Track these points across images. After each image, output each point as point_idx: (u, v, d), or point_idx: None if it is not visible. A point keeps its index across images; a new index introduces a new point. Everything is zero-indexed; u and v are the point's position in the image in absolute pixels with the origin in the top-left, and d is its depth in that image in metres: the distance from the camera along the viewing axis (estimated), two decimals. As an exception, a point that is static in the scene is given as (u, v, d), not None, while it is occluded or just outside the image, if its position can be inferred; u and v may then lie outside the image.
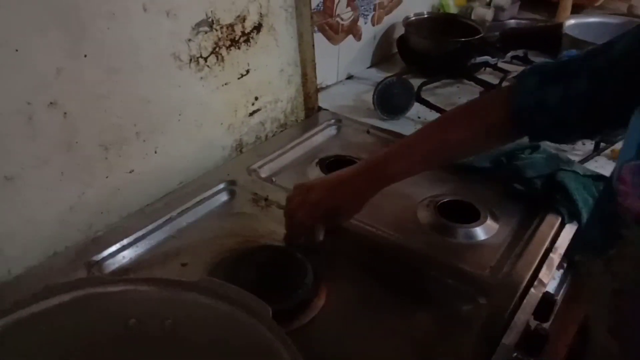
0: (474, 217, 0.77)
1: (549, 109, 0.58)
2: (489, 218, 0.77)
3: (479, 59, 1.20)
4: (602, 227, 0.43)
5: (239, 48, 0.85)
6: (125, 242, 0.70)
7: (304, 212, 0.67)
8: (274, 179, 0.86)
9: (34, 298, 0.39)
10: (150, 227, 0.73)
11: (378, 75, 1.25)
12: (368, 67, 1.32)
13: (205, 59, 0.80)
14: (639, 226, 0.35)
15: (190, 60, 0.78)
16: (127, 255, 0.70)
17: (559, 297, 0.80)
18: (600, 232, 0.43)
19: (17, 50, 0.58)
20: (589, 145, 0.99)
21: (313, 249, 0.68)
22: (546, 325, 0.71)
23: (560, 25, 1.26)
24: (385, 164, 0.66)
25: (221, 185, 0.82)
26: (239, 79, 0.87)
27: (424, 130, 0.69)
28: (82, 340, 0.41)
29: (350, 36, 1.22)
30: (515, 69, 1.22)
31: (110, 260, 0.69)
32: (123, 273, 0.66)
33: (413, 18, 1.32)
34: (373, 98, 1.06)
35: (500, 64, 1.24)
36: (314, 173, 0.87)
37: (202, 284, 0.40)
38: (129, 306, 0.41)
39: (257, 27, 0.88)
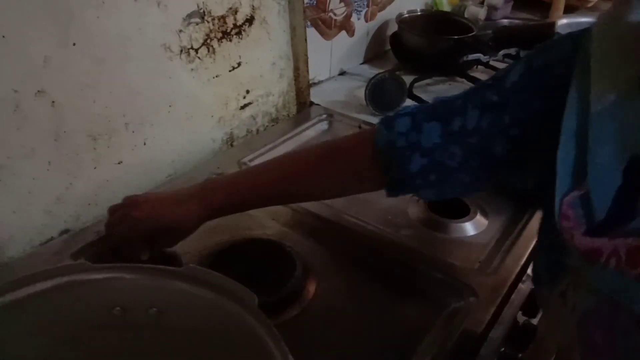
0: (464, 213, 0.78)
1: (424, 149, 0.51)
2: (478, 214, 0.78)
3: (471, 57, 1.20)
4: (548, 260, 0.41)
5: (230, 40, 0.85)
6: (112, 233, 0.70)
7: (122, 227, 0.57)
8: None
9: (15, 284, 0.38)
10: (138, 219, 0.72)
11: (370, 71, 1.25)
12: (361, 63, 1.32)
13: (196, 51, 0.80)
14: (589, 263, 0.33)
15: (181, 51, 0.77)
16: (114, 247, 0.69)
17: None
18: (547, 263, 0.42)
19: (4, 37, 0.57)
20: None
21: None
22: (534, 320, 0.72)
23: (552, 25, 1.27)
24: (228, 193, 0.59)
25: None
26: (230, 71, 0.87)
27: (277, 163, 0.62)
28: (66, 327, 0.41)
29: (343, 32, 1.22)
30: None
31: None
32: (110, 264, 0.66)
33: (406, 15, 1.32)
34: (365, 94, 1.06)
35: (493, 62, 1.24)
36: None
37: (187, 271, 0.40)
38: (114, 293, 0.41)
39: (249, 20, 0.87)
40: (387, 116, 0.56)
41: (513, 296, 0.66)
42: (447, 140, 0.50)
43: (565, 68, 0.41)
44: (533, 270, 0.48)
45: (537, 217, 0.77)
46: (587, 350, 0.37)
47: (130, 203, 0.59)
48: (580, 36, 0.42)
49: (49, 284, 0.39)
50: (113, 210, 0.60)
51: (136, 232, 0.56)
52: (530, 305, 0.69)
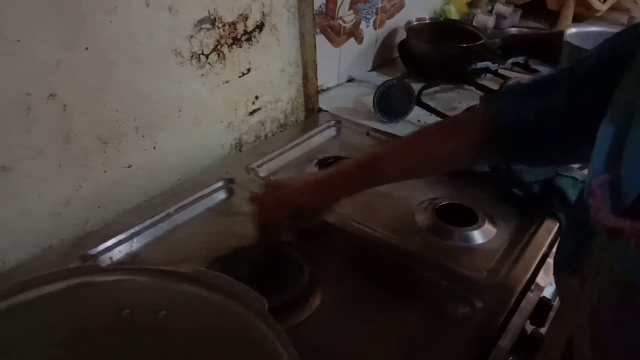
0: (472, 221, 0.77)
1: (527, 123, 0.57)
2: (486, 222, 0.77)
3: (480, 65, 1.20)
4: (576, 241, 0.42)
5: (240, 46, 0.85)
6: (121, 237, 0.70)
7: (268, 211, 0.65)
8: (272, 178, 0.86)
9: (25, 286, 0.39)
10: (146, 223, 0.73)
11: (379, 78, 1.25)
12: (369, 71, 1.32)
13: (207, 56, 0.80)
14: (611, 240, 0.35)
15: (192, 56, 0.78)
16: (122, 250, 0.70)
17: (555, 303, 0.79)
18: (574, 246, 0.43)
19: (18, 41, 0.58)
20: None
21: (289, 246, 0.68)
22: (542, 330, 0.71)
23: (560, 33, 1.27)
24: (363, 174, 0.65)
25: (219, 183, 0.82)
26: (239, 77, 0.87)
27: (406, 141, 0.68)
28: (75, 329, 0.41)
29: (352, 39, 1.22)
30: (516, 76, 1.22)
31: (106, 255, 0.68)
32: (118, 268, 0.66)
33: (415, 23, 1.33)
34: (373, 101, 1.06)
35: (501, 70, 1.24)
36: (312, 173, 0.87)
37: (196, 274, 0.40)
38: (123, 296, 0.41)
39: (259, 26, 0.88)
40: (493, 96, 0.66)
41: (521, 305, 0.65)
42: (547, 115, 0.56)
43: (626, 55, 0.43)
44: (556, 255, 0.51)
45: (546, 226, 0.76)
46: (597, 336, 0.38)
47: (273, 187, 0.68)
48: None
49: (58, 285, 0.40)
50: (257, 195, 0.68)
51: (281, 213, 0.64)
52: (538, 315, 0.68)
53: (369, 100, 1.08)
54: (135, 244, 0.71)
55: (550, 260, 0.72)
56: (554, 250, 0.73)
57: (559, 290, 0.53)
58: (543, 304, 0.68)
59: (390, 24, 1.32)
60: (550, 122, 0.56)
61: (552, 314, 0.71)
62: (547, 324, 0.72)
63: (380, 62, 1.35)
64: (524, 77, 1.24)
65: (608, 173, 0.37)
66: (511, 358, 0.66)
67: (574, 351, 0.47)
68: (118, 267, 0.41)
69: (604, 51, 0.52)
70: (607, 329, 0.37)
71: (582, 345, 0.40)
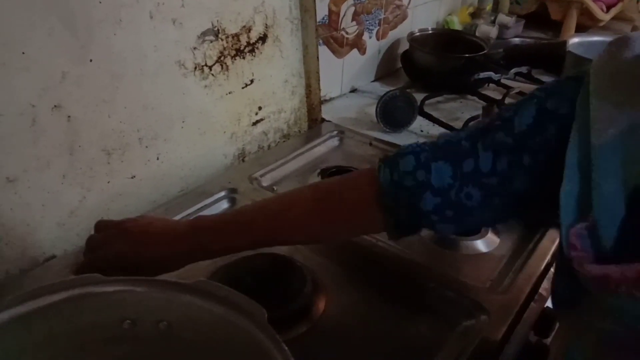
0: (475, 231, 0.77)
1: (437, 188, 0.49)
2: (490, 231, 0.77)
3: (483, 75, 1.21)
4: (570, 282, 0.42)
5: (243, 58, 0.86)
6: (124, 247, 0.70)
7: (102, 254, 0.56)
8: (275, 188, 0.86)
9: (27, 296, 0.39)
10: (150, 233, 0.73)
11: (382, 89, 1.26)
12: (372, 81, 1.33)
13: (210, 68, 0.81)
14: (599, 289, 0.34)
15: (195, 68, 0.79)
16: (125, 261, 0.70)
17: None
18: (567, 286, 0.43)
19: (23, 53, 0.58)
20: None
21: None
22: (547, 341, 0.71)
23: (563, 43, 1.27)
24: (222, 236, 0.56)
25: (222, 193, 0.82)
26: (243, 88, 0.88)
27: (272, 204, 0.59)
28: (76, 339, 0.41)
29: (355, 50, 1.23)
30: (519, 85, 1.22)
31: (109, 265, 0.69)
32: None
33: (417, 34, 1.33)
34: (376, 111, 1.07)
35: (504, 80, 1.24)
36: (316, 181, 0.87)
37: (198, 285, 0.40)
38: (124, 307, 0.41)
39: (263, 38, 0.89)
40: (386, 156, 0.54)
41: (525, 315, 0.65)
42: (461, 181, 0.49)
43: (571, 107, 0.42)
44: (552, 289, 0.47)
45: (549, 235, 0.76)
46: None
47: (119, 229, 0.56)
48: (579, 76, 0.43)
49: (60, 296, 0.40)
50: (100, 227, 0.58)
51: (117, 262, 0.54)
52: (542, 325, 0.68)
53: (372, 110, 1.08)
54: (138, 254, 0.71)
55: (553, 271, 0.72)
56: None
57: (559, 322, 0.52)
58: (547, 314, 0.68)
59: (393, 35, 1.33)
60: (468, 188, 0.49)
61: (557, 325, 0.71)
62: (552, 335, 0.71)
63: (383, 72, 1.35)
64: (528, 87, 1.24)
65: (582, 221, 0.36)
66: (515, 369, 0.66)
67: None
68: (119, 277, 0.41)
69: (542, 109, 0.46)
70: None
71: None
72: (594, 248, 0.35)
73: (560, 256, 0.44)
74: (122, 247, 0.55)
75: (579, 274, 0.36)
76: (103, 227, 0.59)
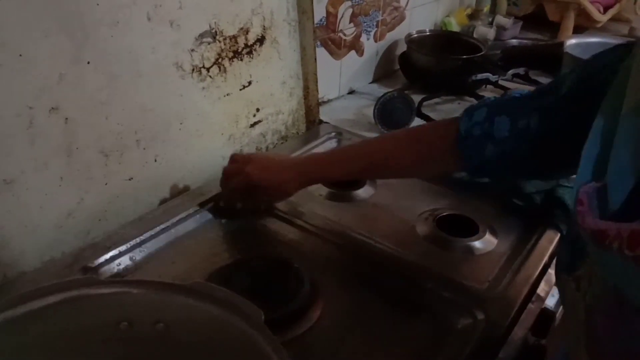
0: (473, 231, 0.77)
1: (496, 140, 0.58)
2: (487, 232, 0.77)
3: (480, 76, 1.21)
4: (572, 248, 0.43)
5: (241, 60, 0.86)
6: (122, 248, 0.70)
7: (236, 181, 0.71)
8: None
9: (24, 298, 0.39)
10: (147, 235, 0.73)
11: (380, 90, 1.26)
12: (370, 83, 1.33)
13: (208, 70, 0.81)
14: (596, 245, 0.35)
15: (193, 70, 0.79)
16: (123, 262, 0.70)
17: (558, 314, 0.79)
18: (570, 252, 0.44)
19: (20, 55, 0.58)
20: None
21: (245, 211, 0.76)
22: (544, 341, 0.71)
23: (561, 44, 1.27)
24: (327, 166, 0.71)
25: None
26: (240, 90, 0.88)
27: (370, 143, 0.73)
28: (73, 341, 0.41)
29: (353, 51, 1.23)
30: (516, 87, 1.23)
31: (107, 267, 0.68)
32: (119, 280, 0.66)
33: (415, 35, 1.34)
34: (374, 112, 1.07)
35: (501, 82, 1.24)
36: (314, 185, 0.87)
37: (195, 287, 0.40)
38: (121, 308, 0.41)
39: (260, 40, 0.89)
40: (469, 106, 0.63)
41: (523, 316, 0.65)
42: (515, 135, 0.57)
43: (611, 74, 0.43)
44: (557, 256, 0.52)
45: (547, 236, 0.76)
46: (592, 338, 0.38)
47: (245, 159, 0.73)
48: (630, 45, 0.45)
49: (56, 297, 0.40)
50: (231, 161, 0.74)
51: (246, 185, 0.70)
52: (540, 326, 0.67)
53: (370, 111, 1.08)
54: (136, 256, 0.71)
55: (551, 271, 0.72)
56: (555, 261, 0.73)
57: (559, 293, 0.53)
58: (545, 315, 0.68)
59: (390, 37, 1.33)
60: (520, 142, 0.57)
61: (554, 325, 0.71)
62: (549, 335, 0.71)
63: (381, 74, 1.35)
64: (525, 89, 1.24)
65: (595, 181, 0.38)
66: (513, 370, 0.66)
67: (570, 354, 0.48)
68: (116, 279, 0.41)
69: (582, 76, 0.53)
70: (601, 335, 0.37)
71: (579, 352, 0.40)
72: (600, 208, 0.37)
73: (567, 222, 0.47)
74: (250, 171, 0.70)
75: (580, 228, 0.37)
76: (235, 159, 0.75)
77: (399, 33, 1.35)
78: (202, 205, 0.79)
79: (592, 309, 0.38)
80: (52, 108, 0.63)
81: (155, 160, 0.78)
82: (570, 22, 1.60)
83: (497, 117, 0.58)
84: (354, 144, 0.75)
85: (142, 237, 0.72)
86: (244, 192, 0.72)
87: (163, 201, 0.81)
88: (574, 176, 0.72)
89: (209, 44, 0.80)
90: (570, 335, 0.44)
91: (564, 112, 0.54)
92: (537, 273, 0.70)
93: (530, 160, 0.58)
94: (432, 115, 1.10)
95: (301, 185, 0.72)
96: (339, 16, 1.13)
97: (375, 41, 1.29)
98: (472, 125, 0.60)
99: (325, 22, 1.10)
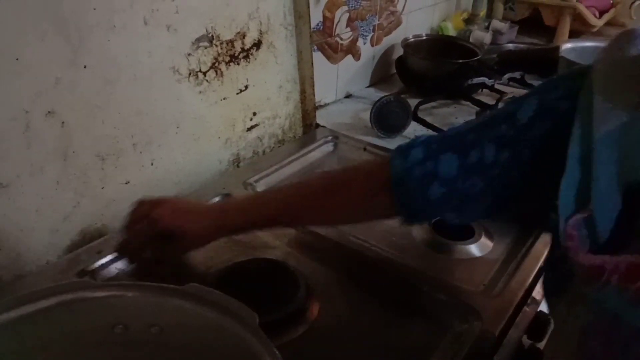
0: (469, 235, 0.77)
1: (443, 178, 0.52)
2: (483, 236, 0.77)
3: (476, 80, 1.21)
4: (557, 272, 0.43)
5: (238, 64, 0.87)
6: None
7: (143, 226, 0.61)
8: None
9: (19, 301, 0.39)
10: (144, 239, 0.73)
11: (376, 94, 1.26)
12: (367, 87, 1.33)
13: (205, 74, 0.81)
14: (594, 280, 0.35)
15: (190, 74, 0.79)
16: (120, 266, 0.70)
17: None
18: (555, 277, 0.44)
19: (17, 59, 0.59)
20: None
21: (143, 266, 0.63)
22: (540, 344, 0.71)
23: (556, 49, 1.28)
24: (247, 210, 0.62)
25: (217, 199, 0.82)
26: (237, 94, 0.88)
27: (291, 189, 0.65)
28: (68, 344, 0.41)
29: (350, 56, 1.23)
30: (512, 91, 1.23)
31: (103, 271, 0.69)
32: (114, 283, 0.66)
33: (412, 40, 1.34)
34: (370, 116, 1.07)
35: (497, 86, 1.25)
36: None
37: (189, 290, 0.40)
38: (116, 311, 0.41)
39: (257, 44, 0.89)
40: (399, 146, 0.57)
41: (518, 319, 0.65)
42: (466, 171, 0.51)
43: (571, 102, 0.43)
44: (544, 279, 0.50)
45: (542, 239, 0.76)
46: (586, 358, 0.38)
47: (154, 202, 0.62)
48: (583, 71, 0.44)
49: (52, 301, 0.40)
50: (138, 204, 0.63)
51: (152, 231, 0.59)
52: (535, 329, 0.68)
53: (366, 115, 1.08)
54: (132, 260, 0.71)
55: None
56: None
57: (550, 314, 0.53)
58: (540, 318, 0.68)
59: (387, 41, 1.34)
60: (472, 179, 0.51)
61: (550, 329, 0.71)
62: (545, 339, 0.71)
63: (378, 78, 1.36)
64: (521, 93, 1.24)
65: (580, 211, 0.38)
66: (509, 373, 0.66)
67: None
68: (110, 282, 0.41)
69: (541, 104, 0.49)
70: (596, 356, 0.37)
71: None
72: (590, 239, 0.36)
73: (554, 245, 0.46)
74: (159, 215, 0.60)
75: (573, 264, 0.37)
76: (142, 203, 0.63)
77: (395, 37, 1.35)
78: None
79: (587, 334, 0.38)
80: (49, 112, 0.63)
81: (152, 164, 0.78)
82: (566, 27, 1.61)
83: (441, 155, 0.53)
84: (271, 190, 0.68)
85: (138, 241, 0.72)
86: (151, 240, 0.61)
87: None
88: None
89: (205, 48, 0.80)
90: (564, 356, 0.43)
91: (524, 142, 0.49)
92: (532, 276, 0.70)
93: (484, 198, 0.52)
94: (428, 119, 1.11)
95: (218, 233, 0.63)
96: (336, 21, 1.14)
97: (372, 45, 1.30)
98: (411, 165, 0.54)
99: (321, 27, 1.11)
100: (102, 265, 0.69)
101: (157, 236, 0.60)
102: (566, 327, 0.41)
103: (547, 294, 0.47)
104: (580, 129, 0.40)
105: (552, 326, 0.71)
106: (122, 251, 0.65)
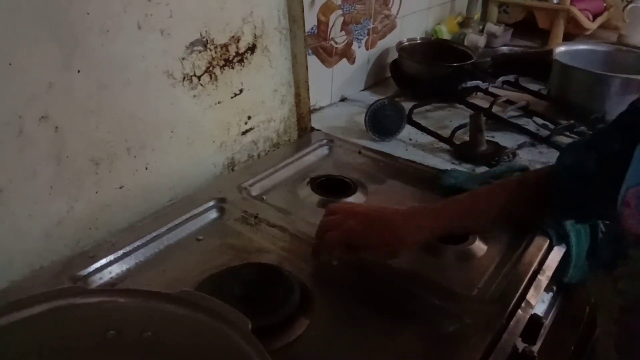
0: (463, 238, 0.77)
1: (586, 172, 0.59)
2: (477, 239, 0.77)
3: (470, 84, 1.22)
4: (612, 247, 0.44)
5: (232, 68, 0.87)
6: (112, 257, 0.70)
7: (333, 236, 0.66)
8: (264, 197, 0.86)
9: (11, 307, 0.39)
10: (138, 243, 0.73)
11: (371, 97, 1.26)
12: (361, 90, 1.34)
13: (199, 78, 0.81)
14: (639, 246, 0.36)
15: (184, 78, 0.79)
16: (113, 271, 0.70)
17: (548, 321, 0.79)
18: (609, 252, 0.45)
19: (10, 64, 0.58)
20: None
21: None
22: (534, 348, 0.71)
23: (550, 52, 1.29)
24: (450, 219, 0.67)
25: (211, 203, 0.82)
26: (232, 98, 0.88)
27: (490, 195, 0.70)
28: (60, 350, 0.41)
29: (344, 59, 1.24)
30: (506, 94, 1.24)
31: (97, 276, 0.68)
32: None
33: (406, 43, 1.35)
34: (365, 119, 1.07)
35: (491, 89, 1.25)
36: (305, 192, 0.88)
37: (182, 295, 0.40)
38: (108, 317, 0.41)
39: (251, 48, 0.89)
40: (563, 149, 0.67)
41: (512, 322, 0.65)
42: (605, 162, 0.57)
43: None
44: (593, 252, 0.55)
45: (536, 243, 0.76)
46: (624, 337, 0.40)
47: (347, 213, 0.66)
48: None
49: (44, 307, 0.40)
50: (331, 211, 0.68)
51: (343, 242, 0.65)
52: (530, 332, 0.68)
53: (361, 119, 1.09)
54: (126, 265, 0.71)
55: (540, 278, 0.72)
56: (544, 267, 0.74)
57: (592, 290, 0.55)
58: (534, 322, 0.68)
59: (382, 45, 1.34)
60: (608, 169, 0.56)
61: (544, 332, 0.71)
62: (539, 342, 0.71)
63: (373, 81, 1.36)
64: (515, 95, 1.25)
65: None
66: (503, 376, 0.66)
67: (597, 353, 0.48)
68: (103, 288, 0.41)
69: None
70: (634, 334, 0.38)
71: (607, 346, 0.41)
72: None
73: (608, 225, 0.52)
74: (353, 229, 0.64)
75: (623, 229, 0.38)
76: (334, 210, 0.68)
77: (390, 41, 1.36)
78: (193, 213, 0.79)
79: (628, 309, 0.39)
80: (42, 116, 0.63)
81: (146, 169, 0.78)
82: (560, 30, 1.62)
83: (585, 153, 0.61)
84: (469, 195, 0.72)
85: (132, 246, 0.72)
86: (343, 249, 0.67)
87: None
88: None
89: (199, 52, 0.80)
90: (600, 330, 0.44)
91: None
92: (526, 279, 0.70)
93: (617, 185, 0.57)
94: (423, 122, 1.11)
95: (419, 242, 0.68)
96: (330, 24, 1.14)
97: (367, 49, 1.30)
98: (565, 162, 0.63)
99: (316, 31, 1.11)
100: (96, 269, 0.68)
101: (348, 246, 0.65)
102: (609, 302, 0.42)
103: (596, 266, 0.49)
104: None
105: (547, 328, 0.72)
106: (314, 256, 0.71)
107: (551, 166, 0.67)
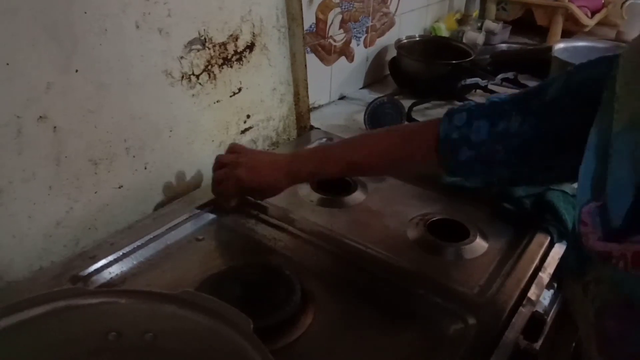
0: (464, 236, 0.77)
1: (472, 143, 0.60)
2: (478, 237, 0.77)
3: (469, 81, 1.22)
4: (578, 254, 0.44)
5: (231, 66, 0.86)
6: (112, 257, 0.70)
7: (226, 185, 0.75)
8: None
9: (11, 309, 0.38)
10: (138, 243, 0.72)
11: (370, 95, 1.26)
12: (360, 88, 1.33)
13: (197, 77, 0.81)
14: (603, 262, 0.37)
15: (182, 77, 0.79)
16: (113, 271, 0.69)
17: (549, 318, 0.79)
18: (576, 258, 0.44)
19: (8, 64, 0.58)
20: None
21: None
22: (536, 345, 0.71)
23: (549, 49, 1.28)
24: (316, 164, 0.72)
25: (211, 203, 0.82)
26: (231, 96, 0.88)
27: (354, 141, 0.74)
28: (61, 352, 0.41)
29: (343, 57, 1.23)
30: (505, 91, 1.23)
31: (97, 276, 0.68)
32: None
33: (405, 41, 1.34)
34: (364, 117, 1.07)
35: (490, 86, 1.25)
36: (305, 191, 0.87)
37: (183, 296, 0.40)
38: (109, 318, 0.41)
39: (250, 47, 0.89)
40: (449, 110, 0.64)
41: (514, 320, 0.65)
42: (492, 138, 0.58)
43: (599, 87, 0.44)
44: (562, 261, 0.55)
45: (537, 240, 0.77)
46: (603, 340, 0.40)
47: (233, 162, 0.74)
48: (615, 58, 0.45)
49: (44, 308, 0.39)
50: (220, 164, 0.76)
51: (236, 188, 0.74)
52: (531, 329, 0.68)
53: (360, 117, 1.09)
54: (126, 265, 0.70)
55: (542, 275, 0.72)
56: (545, 264, 0.73)
57: (565, 296, 0.55)
58: (536, 319, 0.68)
59: (380, 42, 1.34)
60: (497, 145, 0.58)
61: (546, 329, 0.71)
62: (541, 339, 0.71)
63: (372, 79, 1.36)
64: (512, 92, 1.25)
65: (595, 200, 0.39)
66: (505, 374, 0.66)
67: (583, 356, 0.48)
68: (103, 289, 0.41)
69: (568, 85, 0.53)
70: (612, 337, 0.38)
71: (590, 348, 0.41)
72: (603, 226, 0.38)
73: (572, 231, 0.49)
74: (240, 175, 0.73)
75: (585, 248, 0.38)
76: (221, 161, 0.76)
77: (388, 39, 1.36)
78: (193, 213, 0.79)
79: (601, 313, 0.39)
80: (41, 117, 0.63)
81: (145, 168, 0.78)
82: (558, 27, 1.62)
83: (476, 121, 0.60)
84: (337, 142, 0.78)
85: (132, 246, 0.72)
86: (237, 194, 0.76)
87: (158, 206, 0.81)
88: (571, 184, 0.73)
89: (198, 51, 0.80)
90: (581, 334, 0.44)
91: (546, 118, 0.54)
92: (527, 277, 0.70)
93: (505, 164, 0.59)
94: (422, 120, 1.11)
95: (290, 184, 0.75)
96: (329, 22, 1.14)
97: (365, 47, 1.30)
98: (452, 129, 0.61)
99: (315, 29, 1.11)
100: (96, 270, 0.68)
101: (239, 192, 0.76)
102: (582, 308, 0.42)
103: (566, 275, 0.48)
104: (600, 119, 0.42)
105: (548, 325, 0.72)
106: (215, 204, 0.79)
107: (435, 123, 0.65)
